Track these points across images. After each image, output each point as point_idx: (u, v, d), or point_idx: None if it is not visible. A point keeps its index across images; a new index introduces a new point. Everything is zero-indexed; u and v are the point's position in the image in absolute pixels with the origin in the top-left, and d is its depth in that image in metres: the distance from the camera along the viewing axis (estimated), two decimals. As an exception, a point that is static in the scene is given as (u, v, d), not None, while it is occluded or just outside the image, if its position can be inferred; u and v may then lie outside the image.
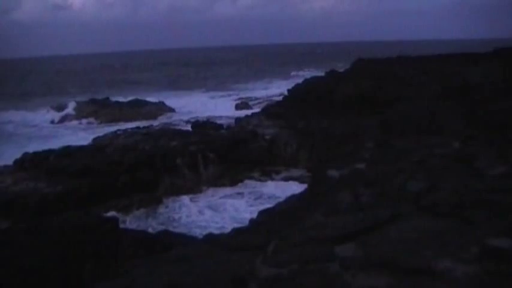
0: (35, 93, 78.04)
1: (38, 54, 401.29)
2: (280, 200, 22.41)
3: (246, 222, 17.59)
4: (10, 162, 25.23)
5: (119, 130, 32.64)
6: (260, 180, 26.38)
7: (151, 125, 35.97)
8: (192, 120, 39.47)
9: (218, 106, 53.92)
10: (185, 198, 23.95)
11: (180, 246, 10.78)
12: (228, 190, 25.31)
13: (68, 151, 26.08)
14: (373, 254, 5.96)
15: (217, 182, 26.03)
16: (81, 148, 27.05)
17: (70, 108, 52.98)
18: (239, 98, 58.44)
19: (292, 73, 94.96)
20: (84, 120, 49.63)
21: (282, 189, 24.55)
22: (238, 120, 36.75)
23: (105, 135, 31.26)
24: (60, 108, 54.19)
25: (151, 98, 56.55)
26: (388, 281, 5.38)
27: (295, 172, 27.08)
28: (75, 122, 49.34)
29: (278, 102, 41.51)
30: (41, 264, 8.97)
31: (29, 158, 24.96)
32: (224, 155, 27.13)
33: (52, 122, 50.56)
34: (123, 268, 8.23)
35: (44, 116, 52.78)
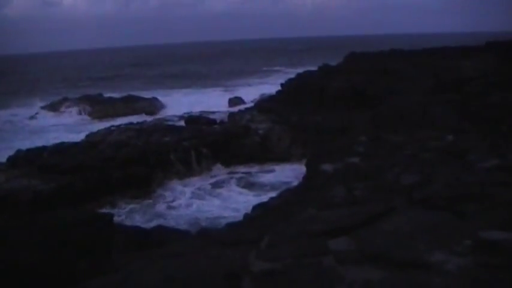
0: (26, 89, 77.44)
1: (28, 51, 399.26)
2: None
3: (239, 209, 17.67)
4: (3, 159, 25.13)
5: (112, 126, 32.56)
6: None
7: (145, 121, 35.78)
8: (185, 115, 39.31)
9: (211, 101, 53.62)
10: (178, 189, 24.04)
11: (174, 242, 10.79)
12: (220, 177, 25.57)
13: (61, 148, 26.01)
14: (366, 248, 5.99)
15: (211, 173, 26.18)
16: (74, 145, 26.96)
17: (62, 105, 52.73)
18: (232, 93, 58.19)
19: (285, 68, 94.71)
20: (77, 117, 49.45)
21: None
22: (231, 115, 36.68)
23: (98, 132, 31.12)
24: (52, 104, 53.90)
25: (144, 94, 56.34)
26: (382, 273, 5.40)
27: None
28: (68, 119, 49.11)
29: (271, 97, 41.42)
30: (34, 261, 8.95)
31: (22, 155, 24.87)
32: (217, 150, 27.12)
33: (44, 118, 50.30)
34: (117, 264, 8.22)
35: (36, 112, 52.46)
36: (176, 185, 24.60)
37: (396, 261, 5.59)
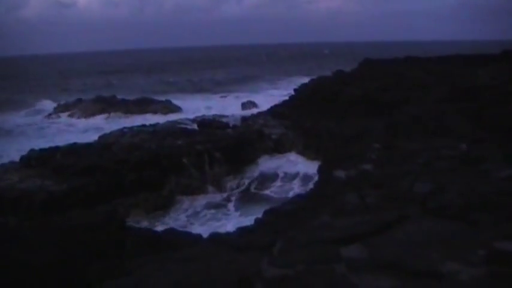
0: (42, 90, 78.15)
1: (43, 52, 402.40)
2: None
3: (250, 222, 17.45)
4: (16, 159, 25.25)
5: (125, 128, 32.58)
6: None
7: (158, 124, 35.82)
8: (198, 119, 39.28)
9: (224, 105, 53.84)
10: (191, 197, 23.90)
11: (187, 246, 10.78)
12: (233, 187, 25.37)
13: (74, 149, 26.09)
14: (379, 256, 5.96)
15: (222, 180, 25.98)
16: (87, 146, 27.04)
17: (76, 106, 53.08)
18: (245, 97, 58.19)
19: (298, 74, 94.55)
20: (90, 118, 49.70)
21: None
22: (244, 119, 36.66)
23: (111, 133, 31.17)
24: (66, 105, 54.30)
25: (158, 97, 56.61)
26: (394, 282, 5.37)
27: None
28: (81, 120, 49.39)
29: (284, 102, 41.21)
30: (46, 263, 8.98)
31: (35, 155, 24.96)
32: (230, 154, 27.07)
33: (58, 119, 50.64)
34: (130, 267, 8.23)
35: (50, 113, 52.85)
36: (189, 188, 24.35)
37: (408, 270, 5.56)
